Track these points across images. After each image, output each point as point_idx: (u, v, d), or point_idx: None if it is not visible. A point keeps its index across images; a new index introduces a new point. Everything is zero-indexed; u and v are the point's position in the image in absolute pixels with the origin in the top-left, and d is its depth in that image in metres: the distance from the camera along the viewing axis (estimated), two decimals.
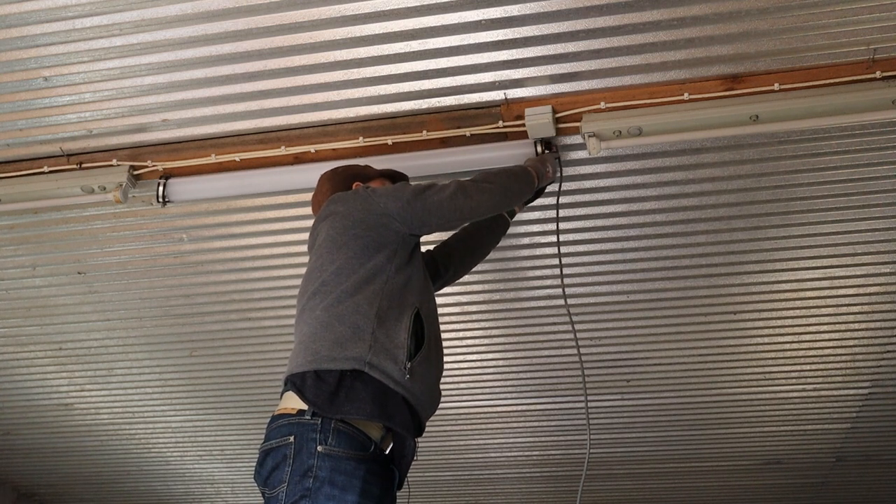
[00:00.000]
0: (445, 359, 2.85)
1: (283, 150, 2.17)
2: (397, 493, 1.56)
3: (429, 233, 1.74)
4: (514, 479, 3.85)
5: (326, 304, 1.58)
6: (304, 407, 1.46)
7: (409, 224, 1.69)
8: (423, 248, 2.04)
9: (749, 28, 1.82)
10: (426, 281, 1.77)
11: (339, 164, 2.03)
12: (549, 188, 2.18)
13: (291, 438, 1.44)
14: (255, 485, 1.59)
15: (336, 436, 1.43)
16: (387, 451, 1.52)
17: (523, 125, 2.02)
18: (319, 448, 1.41)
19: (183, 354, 3.04)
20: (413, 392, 1.53)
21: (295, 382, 1.50)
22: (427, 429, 1.66)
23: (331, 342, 1.51)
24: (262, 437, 1.52)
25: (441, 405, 1.71)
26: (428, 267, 1.96)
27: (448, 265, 2.05)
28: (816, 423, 3.24)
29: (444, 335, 2.81)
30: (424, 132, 2.10)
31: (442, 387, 1.74)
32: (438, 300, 2.61)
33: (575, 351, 2.80)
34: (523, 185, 1.92)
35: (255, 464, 1.52)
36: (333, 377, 1.47)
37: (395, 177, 1.99)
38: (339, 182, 1.91)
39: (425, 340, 1.61)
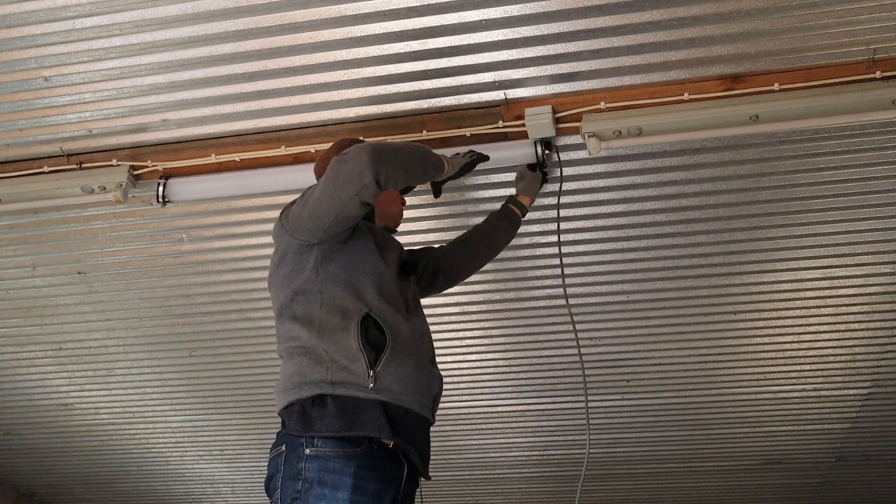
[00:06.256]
0: (446, 358, 2.82)
1: (283, 150, 2.17)
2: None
3: (332, 232, 1.58)
4: (514, 479, 3.84)
5: (280, 340, 1.64)
6: None
7: (309, 238, 1.61)
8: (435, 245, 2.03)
9: (749, 28, 1.82)
10: (373, 275, 1.64)
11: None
12: (550, 188, 2.18)
13: (283, 447, 1.50)
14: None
15: (323, 437, 1.46)
16: (391, 445, 1.51)
17: (523, 125, 2.02)
18: (307, 450, 1.46)
19: (183, 354, 3.04)
20: (388, 393, 1.52)
21: (281, 417, 1.58)
22: None
23: (292, 373, 1.56)
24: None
25: (441, 405, 1.70)
26: (425, 271, 1.93)
27: (438, 271, 1.96)
28: (816, 423, 3.24)
29: (444, 335, 2.82)
30: (424, 132, 2.10)
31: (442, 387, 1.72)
32: (438, 300, 2.63)
33: (575, 351, 2.80)
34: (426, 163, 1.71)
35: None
36: (304, 405, 1.51)
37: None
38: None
39: (388, 340, 1.55)
